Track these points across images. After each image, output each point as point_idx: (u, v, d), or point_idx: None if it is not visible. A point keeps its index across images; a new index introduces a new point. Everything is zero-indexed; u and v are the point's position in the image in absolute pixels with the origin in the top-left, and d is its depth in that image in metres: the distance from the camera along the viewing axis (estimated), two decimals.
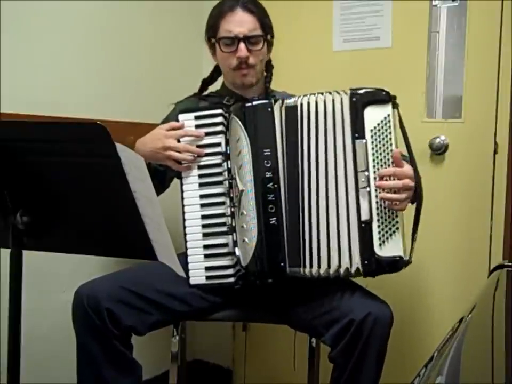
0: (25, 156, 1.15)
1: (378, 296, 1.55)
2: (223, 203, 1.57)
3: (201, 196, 1.58)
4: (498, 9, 1.90)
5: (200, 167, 1.58)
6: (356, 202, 1.46)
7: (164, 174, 1.69)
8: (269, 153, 1.52)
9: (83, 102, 1.96)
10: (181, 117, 1.60)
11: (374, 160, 1.45)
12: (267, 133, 1.53)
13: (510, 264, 1.42)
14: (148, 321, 1.56)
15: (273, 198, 1.52)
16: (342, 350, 1.47)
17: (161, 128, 1.61)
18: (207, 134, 1.58)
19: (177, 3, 2.29)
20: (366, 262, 1.44)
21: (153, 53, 2.22)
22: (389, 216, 1.45)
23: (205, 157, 1.58)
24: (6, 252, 1.20)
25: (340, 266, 1.48)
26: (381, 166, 1.45)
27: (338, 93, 1.50)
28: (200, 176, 1.58)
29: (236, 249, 1.55)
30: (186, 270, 1.56)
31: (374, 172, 1.45)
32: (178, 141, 1.58)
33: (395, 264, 1.44)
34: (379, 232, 1.44)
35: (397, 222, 1.44)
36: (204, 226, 1.58)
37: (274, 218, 1.52)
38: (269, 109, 1.53)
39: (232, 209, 1.56)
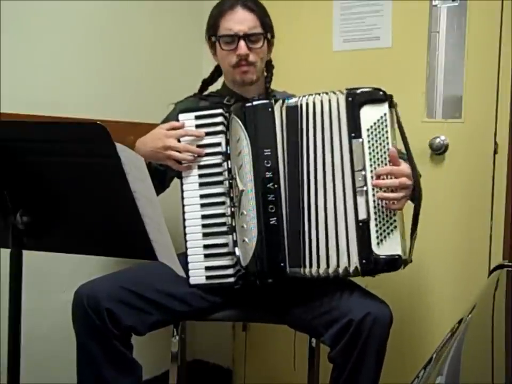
0: (25, 156, 1.15)
1: (377, 296, 1.55)
2: (223, 203, 1.57)
3: (201, 196, 1.58)
4: (498, 9, 1.91)
5: (200, 167, 1.58)
6: (353, 202, 1.46)
7: (164, 174, 1.69)
8: (269, 153, 1.52)
9: (83, 102, 1.96)
10: (181, 116, 1.60)
11: (371, 159, 1.45)
12: (267, 133, 1.53)
13: (510, 264, 1.42)
14: (148, 321, 1.56)
15: (273, 198, 1.52)
16: (341, 350, 1.47)
17: (162, 127, 1.61)
18: (207, 133, 1.58)
19: (177, 3, 2.29)
20: (364, 261, 1.44)
21: (153, 53, 2.23)
22: (387, 215, 1.45)
23: (205, 157, 1.58)
24: (6, 252, 1.20)
25: (338, 266, 1.48)
26: (378, 165, 1.45)
27: (334, 93, 1.50)
28: (200, 176, 1.58)
29: (236, 249, 1.55)
30: (186, 270, 1.56)
31: (371, 171, 1.45)
32: (179, 141, 1.58)
33: (393, 263, 1.44)
34: (377, 231, 1.44)
35: (395, 221, 1.44)
36: (204, 226, 1.58)
37: (275, 218, 1.52)
38: (269, 109, 1.53)
39: (232, 209, 1.56)
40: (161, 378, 2.17)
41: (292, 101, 1.54)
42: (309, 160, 1.51)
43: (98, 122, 1.05)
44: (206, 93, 1.86)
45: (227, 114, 1.58)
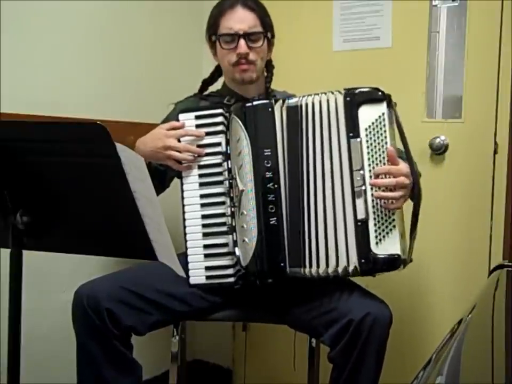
0: (25, 156, 1.15)
1: (377, 296, 1.55)
2: (223, 203, 1.57)
3: (202, 196, 1.58)
4: (498, 9, 1.91)
5: (200, 167, 1.58)
6: (351, 201, 1.46)
7: (164, 174, 1.69)
8: (269, 153, 1.52)
9: (83, 102, 1.96)
10: (182, 116, 1.60)
11: (369, 158, 1.45)
12: (267, 133, 1.53)
13: (510, 264, 1.41)
14: (148, 321, 1.56)
15: (274, 198, 1.52)
16: (341, 350, 1.47)
17: (162, 127, 1.61)
18: (208, 133, 1.58)
19: (177, 3, 2.29)
20: (363, 260, 1.44)
21: (153, 53, 2.23)
22: (385, 215, 1.45)
23: (205, 157, 1.58)
24: (6, 252, 1.20)
25: (337, 265, 1.48)
26: (376, 164, 1.45)
27: (333, 93, 1.50)
28: (201, 175, 1.58)
29: (236, 249, 1.55)
30: (186, 270, 1.56)
31: (370, 171, 1.45)
32: (179, 141, 1.58)
33: (392, 262, 1.44)
34: (375, 231, 1.44)
35: (393, 220, 1.44)
36: (204, 226, 1.58)
37: (275, 218, 1.52)
38: (270, 109, 1.53)
39: (232, 209, 1.56)
40: (161, 378, 2.17)
41: (292, 101, 1.54)
42: (309, 160, 1.51)
43: (98, 122, 1.05)
44: (206, 93, 1.86)
45: (227, 114, 1.58)
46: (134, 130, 1.80)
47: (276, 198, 1.52)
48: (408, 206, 1.51)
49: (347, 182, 1.47)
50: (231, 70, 1.71)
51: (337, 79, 2.07)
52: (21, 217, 1.16)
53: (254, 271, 1.53)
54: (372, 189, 1.45)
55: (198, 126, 1.59)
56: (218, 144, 1.58)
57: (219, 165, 1.58)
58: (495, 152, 1.93)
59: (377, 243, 1.44)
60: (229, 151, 1.57)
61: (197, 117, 1.59)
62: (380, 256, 1.43)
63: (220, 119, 1.58)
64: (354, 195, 1.46)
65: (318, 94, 1.52)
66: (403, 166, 1.46)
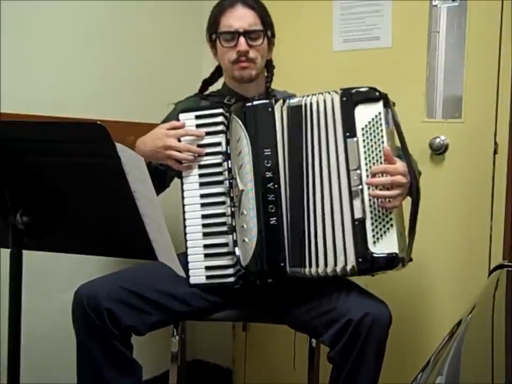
0: (25, 156, 1.15)
1: (376, 296, 1.55)
2: (223, 203, 1.57)
3: (202, 196, 1.58)
4: (498, 9, 1.91)
5: (200, 167, 1.58)
6: (349, 201, 1.46)
7: (164, 173, 1.70)
8: (269, 153, 1.52)
9: (83, 102, 1.96)
10: (182, 116, 1.60)
11: (366, 158, 1.45)
12: (267, 133, 1.53)
13: (510, 264, 1.41)
14: (148, 321, 1.56)
15: (274, 198, 1.52)
16: (340, 350, 1.47)
17: (162, 127, 1.61)
18: (208, 133, 1.58)
19: (177, 3, 2.29)
20: (361, 259, 1.44)
21: (153, 53, 2.23)
22: (383, 214, 1.44)
23: (205, 157, 1.58)
24: (6, 252, 1.20)
25: (336, 265, 1.48)
26: (373, 163, 1.45)
27: (329, 93, 1.50)
28: (201, 175, 1.58)
29: (236, 249, 1.55)
30: (187, 270, 1.56)
31: (367, 170, 1.45)
32: (179, 140, 1.58)
33: (390, 261, 1.43)
34: (373, 230, 1.44)
35: (391, 219, 1.44)
36: (204, 225, 1.58)
37: (275, 218, 1.52)
38: (270, 109, 1.53)
39: (233, 208, 1.56)
40: (161, 378, 2.17)
41: (293, 101, 1.54)
42: (308, 160, 1.51)
43: (98, 122, 1.05)
44: (206, 93, 1.86)
45: (227, 114, 1.58)
46: (134, 130, 1.80)
47: (276, 198, 1.52)
48: (408, 204, 1.51)
49: (344, 182, 1.47)
50: (231, 67, 1.71)
51: (337, 79, 2.06)
52: (21, 217, 1.16)
53: (254, 271, 1.53)
54: (368, 188, 1.45)
55: (198, 126, 1.59)
56: (219, 144, 1.58)
57: (219, 164, 1.58)
58: (495, 152, 1.93)
59: (374, 242, 1.44)
60: (229, 151, 1.57)
61: (197, 117, 1.59)
62: (378, 255, 1.43)
63: (220, 119, 1.58)
64: (351, 194, 1.46)
65: (315, 94, 1.52)
66: (400, 165, 1.45)
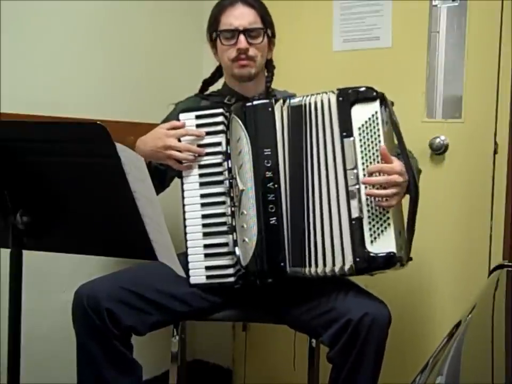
0: (25, 156, 1.15)
1: (376, 296, 1.55)
2: (223, 202, 1.57)
3: (202, 195, 1.58)
4: (498, 9, 1.91)
5: (200, 167, 1.58)
6: (346, 200, 1.46)
7: (164, 173, 1.70)
8: (269, 153, 1.52)
9: (83, 102, 1.96)
10: (182, 116, 1.60)
11: (363, 157, 1.45)
12: (267, 133, 1.53)
13: (510, 264, 1.41)
14: (148, 322, 1.56)
15: (274, 198, 1.52)
16: (340, 350, 1.47)
17: (162, 127, 1.61)
18: (208, 133, 1.58)
19: (177, 3, 2.29)
20: (358, 259, 1.44)
21: (153, 53, 2.23)
22: (380, 213, 1.44)
23: (205, 156, 1.58)
24: (6, 252, 1.20)
25: (334, 265, 1.48)
26: (370, 163, 1.45)
27: (326, 93, 1.50)
28: (201, 175, 1.58)
29: (236, 248, 1.55)
30: (187, 270, 1.56)
31: (363, 169, 1.45)
32: (179, 140, 1.58)
33: (388, 261, 1.43)
34: (370, 229, 1.44)
35: (388, 218, 1.44)
36: (204, 225, 1.58)
37: (275, 218, 1.52)
38: (270, 109, 1.53)
39: (233, 208, 1.56)
40: (161, 378, 2.17)
41: (294, 101, 1.54)
42: (307, 160, 1.51)
43: (98, 122, 1.05)
44: (206, 92, 1.86)
45: (227, 114, 1.58)
46: (134, 130, 1.80)
47: (276, 198, 1.52)
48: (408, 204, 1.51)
49: (341, 181, 1.47)
50: (231, 66, 1.71)
51: (337, 79, 2.05)
52: (21, 217, 1.16)
53: (254, 270, 1.53)
54: (366, 187, 1.45)
55: (198, 126, 1.59)
56: (219, 143, 1.58)
57: (219, 164, 1.58)
58: (495, 152, 1.93)
59: (372, 241, 1.44)
60: (229, 151, 1.57)
61: (197, 117, 1.59)
62: (375, 254, 1.43)
63: (220, 118, 1.58)
64: (348, 194, 1.46)
65: (313, 94, 1.52)
66: (397, 164, 1.45)
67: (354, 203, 1.45)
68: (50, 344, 1.92)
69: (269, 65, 1.80)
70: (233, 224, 1.56)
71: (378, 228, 1.44)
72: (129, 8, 2.11)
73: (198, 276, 1.57)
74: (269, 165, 1.52)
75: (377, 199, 1.44)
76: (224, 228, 1.57)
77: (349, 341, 1.45)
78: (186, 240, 1.59)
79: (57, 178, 1.16)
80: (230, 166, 1.57)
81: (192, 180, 1.59)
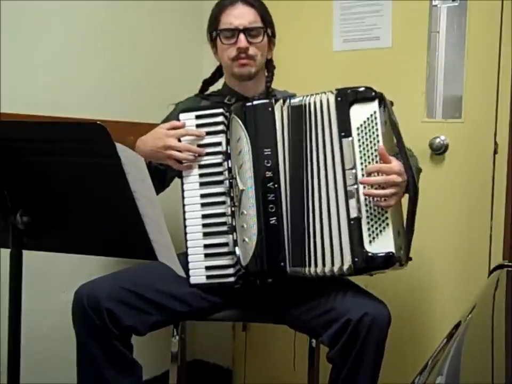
0: (25, 156, 1.15)
1: (376, 296, 1.55)
2: (223, 202, 1.57)
3: (202, 195, 1.58)
4: (498, 9, 1.91)
5: (200, 167, 1.58)
6: (344, 200, 1.46)
7: (164, 173, 1.70)
8: (269, 152, 1.52)
9: (83, 102, 1.96)
10: (182, 116, 1.60)
11: (361, 157, 1.46)
12: (267, 133, 1.53)
13: (510, 264, 1.41)
14: (148, 322, 1.56)
15: (274, 198, 1.52)
16: (339, 350, 1.47)
17: (162, 127, 1.61)
18: (208, 133, 1.58)
19: (177, 3, 2.29)
20: (356, 259, 1.45)
21: (153, 53, 2.23)
22: (379, 213, 1.44)
23: (205, 156, 1.58)
24: (6, 252, 1.20)
25: (333, 264, 1.48)
26: (369, 163, 1.45)
27: (325, 93, 1.50)
28: (201, 175, 1.58)
29: (236, 248, 1.55)
30: (187, 270, 1.56)
31: (362, 169, 1.45)
32: (179, 140, 1.58)
33: (386, 261, 1.43)
34: (369, 229, 1.44)
35: (387, 218, 1.44)
36: (204, 225, 1.58)
37: (275, 218, 1.52)
38: (270, 109, 1.54)
39: (233, 208, 1.56)
40: (161, 378, 2.17)
41: (294, 101, 1.54)
42: (307, 160, 1.51)
43: (98, 122, 1.05)
44: (207, 93, 1.86)
45: (227, 114, 1.58)
46: (134, 130, 1.80)
47: (276, 198, 1.52)
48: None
49: (340, 181, 1.47)
50: (231, 65, 1.71)
51: (337, 79, 2.05)
52: (21, 217, 1.16)
53: (254, 270, 1.53)
54: (364, 187, 1.45)
55: (198, 126, 1.59)
56: (219, 143, 1.58)
57: (219, 164, 1.58)
58: (495, 152, 1.93)
59: (370, 241, 1.44)
60: (229, 151, 1.57)
61: (197, 117, 1.59)
62: (373, 254, 1.43)
63: (220, 118, 1.58)
64: (347, 194, 1.46)
65: (313, 94, 1.52)
66: (395, 164, 1.45)
67: (352, 203, 1.45)
68: (50, 344, 1.92)
69: (269, 65, 1.80)
70: (233, 224, 1.56)
71: (376, 228, 1.44)
72: (129, 8, 2.11)
73: (198, 275, 1.57)
74: (269, 164, 1.52)
75: (375, 199, 1.44)
76: (224, 228, 1.57)
77: (348, 341, 1.45)
78: (186, 240, 1.59)
79: (57, 178, 1.16)
80: (230, 166, 1.57)
81: (192, 180, 1.59)
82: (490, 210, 1.94)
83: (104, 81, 2.05)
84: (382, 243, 1.43)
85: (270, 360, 2.29)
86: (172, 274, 1.21)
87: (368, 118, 1.45)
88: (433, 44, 2.02)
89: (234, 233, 1.56)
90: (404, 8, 2.06)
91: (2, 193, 1.16)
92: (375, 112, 1.45)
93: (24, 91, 1.81)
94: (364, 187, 1.45)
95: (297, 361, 1.88)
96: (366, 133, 1.45)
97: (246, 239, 1.53)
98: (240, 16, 1.68)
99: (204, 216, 1.58)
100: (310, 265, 1.50)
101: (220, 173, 1.58)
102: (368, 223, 1.44)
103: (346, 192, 1.46)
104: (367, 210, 1.45)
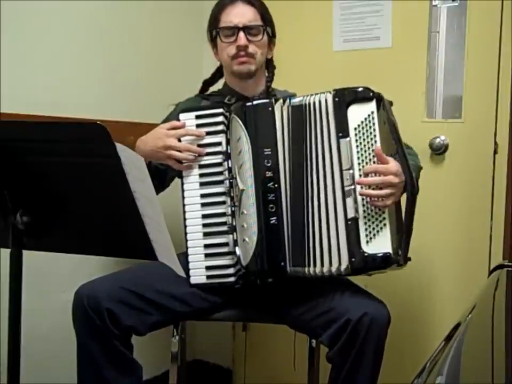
0: (25, 156, 1.15)
1: (375, 296, 1.55)
2: (223, 202, 1.57)
3: (202, 195, 1.58)
4: (498, 9, 1.91)
5: (200, 167, 1.58)
6: (342, 201, 1.47)
7: (164, 173, 1.70)
8: (269, 152, 1.53)
9: (83, 102, 1.96)
10: (182, 116, 1.60)
11: (359, 158, 1.46)
12: (267, 133, 1.53)
13: (510, 264, 1.41)
14: (148, 322, 1.56)
15: (274, 198, 1.52)
16: (339, 350, 1.47)
17: (162, 127, 1.61)
18: (208, 133, 1.58)
19: (177, 3, 2.29)
20: (353, 259, 1.45)
21: (153, 53, 2.23)
22: (376, 213, 1.45)
23: (205, 156, 1.58)
24: (6, 252, 1.20)
25: (331, 265, 1.48)
26: (366, 163, 1.45)
27: (323, 93, 1.50)
28: (201, 175, 1.59)
29: (236, 248, 1.55)
30: (187, 270, 1.56)
31: (359, 170, 1.45)
32: (179, 140, 1.58)
33: (383, 261, 1.44)
34: (366, 229, 1.44)
35: (384, 219, 1.44)
36: (204, 225, 1.58)
37: (275, 218, 1.52)
38: (270, 109, 1.54)
39: (233, 208, 1.56)
40: (161, 378, 2.17)
41: (295, 101, 1.54)
42: (307, 160, 1.52)
43: (98, 122, 1.05)
44: (207, 93, 1.86)
45: (227, 114, 1.58)
46: (134, 130, 1.80)
47: (276, 197, 1.52)
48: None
49: (337, 182, 1.47)
50: (230, 63, 1.71)
51: (337, 79, 2.05)
52: (21, 217, 1.16)
53: (254, 270, 1.53)
54: (361, 188, 1.45)
55: (198, 126, 1.59)
56: (219, 143, 1.58)
57: (219, 164, 1.58)
58: (495, 152, 1.93)
59: (367, 242, 1.44)
60: (229, 151, 1.57)
61: (198, 117, 1.59)
62: (371, 254, 1.43)
63: (220, 118, 1.58)
64: (344, 194, 1.46)
65: (313, 95, 1.52)
66: (393, 165, 1.45)
67: (350, 203, 1.45)
68: (50, 344, 1.92)
69: (269, 65, 1.81)
70: (234, 224, 1.56)
71: (374, 228, 1.44)
72: (129, 8, 2.11)
73: (198, 275, 1.57)
74: (269, 164, 1.53)
75: (372, 199, 1.44)
76: (224, 228, 1.57)
77: (348, 341, 1.45)
78: (186, 240, 1.59)
79: (57, 178, 1.16)
80: (230, 165, 1.57)
81: (192, 180, 1.59)
82: (490, 210, 1.94)
83: (104, 81, 2.05)
84: (379, 243, 1.43)
85: (270, 360, 2.29)
86: (172, 274, 1.21)
87: (365, 119, 1.45)
88: (433, 44, 2.02)
89: (235, 233, 1.56)
90: (404, 8, 2.06)
91: (2, 193, 1.16)
92: (372, 113, 1.45)
93: (24, 91, 1.81)
94: (361, 187, 1.45)
95: (297, 361, 1.88)
96: (363, 133, 1.45)
97: (246, 239, 1.53)
98: (240, 14, 1.68)
99: (204, 216, 1.58)
100: (309, 265, 1.50)
101: (220, 173, 1.58)
102: (365, 223, 1.44)
103: (343, 192, 1.46)
104: (364, 211, 1.45)
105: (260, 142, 1.53)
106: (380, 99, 1.47)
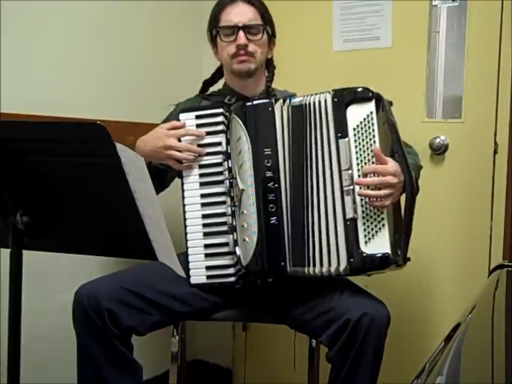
0: (25, 156, 1.15)
1: (375, 296, 1.55)
2: (223, 202, 1.58)
3: (202, 195, 1.58)
4: (498, 9, 1.91)
5: (201, 166, 1.58)
6: (341, 201, 1.47)
7: (164, 173, 1.70)
8: (270, 152, 1.53)
9: (83, 102, 1.96)
10: (182, 116, 1.60)
11: (357, 158, 1.46)
12: (267, 132, 1.53)
13: (510, 264, 1.41)
14: (148, 322, 1.56)
15: (274, 198, 1.52)
16: (338, 350, 1.47)
17: (162, 127, 1.61)
18: (208, 133, 1.58)
19: (177, 3, 2.29)
20: (352, 259, 1.45)
21: (153, 53, 2.23)
22: (374, 214, 1.45)
23: (205, 156, 1.58)
24: (6, 252, 1.20)
25: (330, 265, 1.48)
26: (365, 163, 1.46)
27: (322, 93, 1.50)
28: (201, 175, 1.59)
29: (237, 248, 1.55)
30: (187, 270, 1.56)
31: (358, 170, 1.45)
32: (179, 140, 1.58)
33: (382, 261, 1.44)
34: (364, 230, 1.45)
35: (383, 219, 1.44)
36: (204, 225, 1.58)
37: (275, 218, 1.52)
38: (270, 108, 1.54)
39: (233, 208, 1.56)
40: (161, 378, 2.17)
41: (295, 101, 1.54)
42: (306, 160, 1.52)
43: (98, 122, 1.05)
44: (207, 93, 1.86)
45: (227, 114, 1.58)
46: (134, 130, 1.80)
47: (276, 197, 1.52)
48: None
49: (336, 182, 1.48)
50: (230, 62, 1.71)
51: (337, 79, 2.05)
52: (21, 217, 1.16)
53: (254, 270, 1.53)
54: (360, 188, 1.45)
55: (198, 126, 1.59)
56: (219, 143, 1.58)
57: (219, 164, 1.58)
58: (495, 152, 1.93)
59: (366, 242, 1.44)
60: (229, 151, 1.57)
61: (198, 117, 1.59)
62: (369, 255, 1.43)
63: (220, 118, 1.58)
64: (343, 194, 1.46)
65: (312, 95, 1.52)
66: (391, 165, 1.45)
67: (348, 204, 1.46)
68: (50, 344, 1.92)
69: (269, 65, 1.81)
70: (234, 223, 1.56)
71: (372, 229, 1.44)
72: (129, 8, 2.11)
73: (198, 275, 1.57)
74: (269, 164, 1.53)
75: (371, 199, 1.44)
76: (224, 228, 1.57)
77: (347, 341, 1.45)
78: (186, 240, 1.59)
79: (57, 178, 1.16)
80: (230, 165, 1.57)
81: (192, 180, 1.59)
82: (490, 210, 1.94)
83: (104, 81, 2.05)
84: (378, 244, 1.44)
85: (270, 360, 2.29)
86: (172, 274, 1.21)
87: (364, 119, 1.45)
88: (433, 44, 2.02)
89: (235, 233, 1.56)
90: (404, 8, 2.06)
91: (2, 193, 1.16)
92: (371, 113, 1.45)
93: (24, 91, 1.81)
94: (360, 188, 1.45)
95: (297, 361, 1.88)
96: (362, 134, 1.45)
97: (246, 239, 1.53)
98: (240, 13, 1.69)
99: (204, 216, 1.58)
100: (309, 265, 1.51)
101: (220, 173, 1.58)
102: (364, 223, 1.45)
103: (342, 192, 1.46)
104: (363, 211, 1.45)
105: (260, 142, 1.53)
106: (379, 99, 1.47)
